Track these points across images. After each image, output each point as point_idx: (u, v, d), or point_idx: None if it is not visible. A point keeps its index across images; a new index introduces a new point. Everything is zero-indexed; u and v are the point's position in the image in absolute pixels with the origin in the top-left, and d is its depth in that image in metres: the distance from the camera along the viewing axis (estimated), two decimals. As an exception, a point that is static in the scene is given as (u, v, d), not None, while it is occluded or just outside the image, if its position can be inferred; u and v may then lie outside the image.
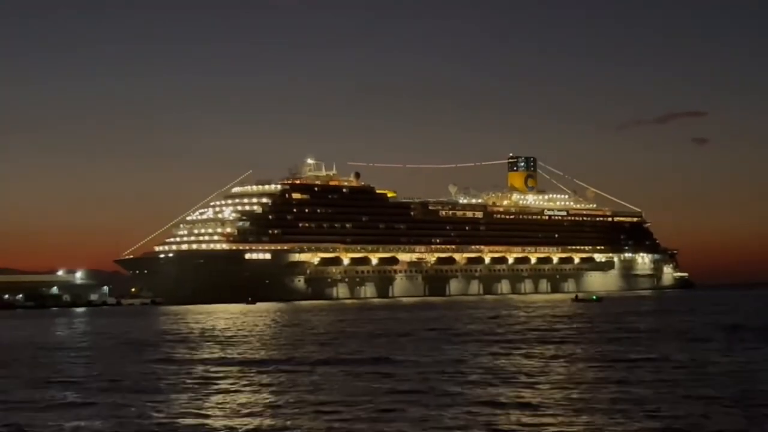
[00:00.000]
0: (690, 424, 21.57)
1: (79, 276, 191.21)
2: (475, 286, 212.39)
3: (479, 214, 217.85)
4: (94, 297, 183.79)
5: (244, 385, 32.60)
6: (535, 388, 29.47)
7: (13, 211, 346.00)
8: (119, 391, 31.52)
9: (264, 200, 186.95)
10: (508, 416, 23.66)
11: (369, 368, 37.11)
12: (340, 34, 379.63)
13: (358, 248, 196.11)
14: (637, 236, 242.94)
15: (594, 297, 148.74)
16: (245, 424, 23.15)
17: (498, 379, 32.96)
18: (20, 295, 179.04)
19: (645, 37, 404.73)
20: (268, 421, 23.66)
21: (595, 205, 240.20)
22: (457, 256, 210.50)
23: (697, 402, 25.06)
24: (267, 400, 28.13)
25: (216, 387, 32.32)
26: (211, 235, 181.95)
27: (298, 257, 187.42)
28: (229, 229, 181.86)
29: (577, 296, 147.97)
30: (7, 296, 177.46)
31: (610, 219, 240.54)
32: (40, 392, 32.04)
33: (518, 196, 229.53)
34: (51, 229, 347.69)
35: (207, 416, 24.60)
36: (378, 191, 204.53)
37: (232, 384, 33.20)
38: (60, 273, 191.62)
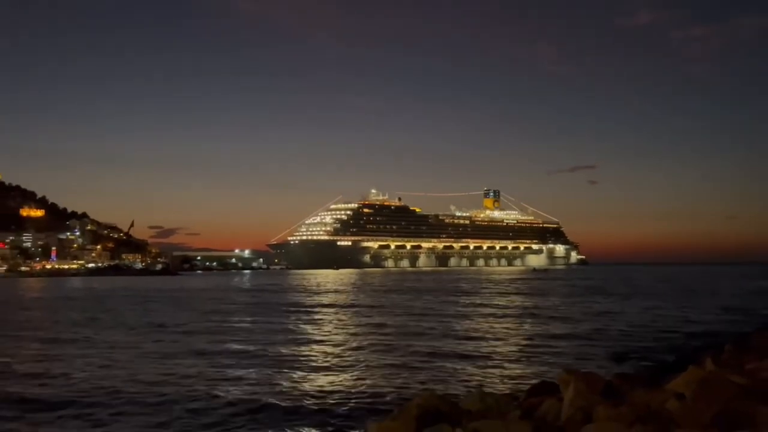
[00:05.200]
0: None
1: (247, 252, 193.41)
2: (464, 262, 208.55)
3: (467, 222, 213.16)
4: (255, 264, 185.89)
5: (332, 315, 30.43)
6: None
7: (213, 216, 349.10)
8: (261, 313, 30.69)
9: (348, 212, 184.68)
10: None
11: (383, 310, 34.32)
12: (378, 126, 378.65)
13: (399, 240, 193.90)
14: (556, 235, 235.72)
15: (545, 269, 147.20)
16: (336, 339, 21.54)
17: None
18: (215, 263, 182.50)
19: (562, 121, 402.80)
20: (343, 338, 21.98)
21: (533, 218, 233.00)
22: (454, 245, 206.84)
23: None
24: (346, 324, 26.39)
25: (317, 312, 31.07)
26: (318, 231, 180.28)
27: (366, 244, 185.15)
28: (328, 228, 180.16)
29: (534, 268, 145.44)
30: (207, 263, 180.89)
31: (541, 225, 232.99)
32: (214, 315, 31.18)
33: (489, 212, 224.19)
34: (232, 226, 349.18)
35: (310, 335, 22.10)
36: (411, 208, 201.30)
37: (328, 312, 31.57)
38: (236, 251, 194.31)
